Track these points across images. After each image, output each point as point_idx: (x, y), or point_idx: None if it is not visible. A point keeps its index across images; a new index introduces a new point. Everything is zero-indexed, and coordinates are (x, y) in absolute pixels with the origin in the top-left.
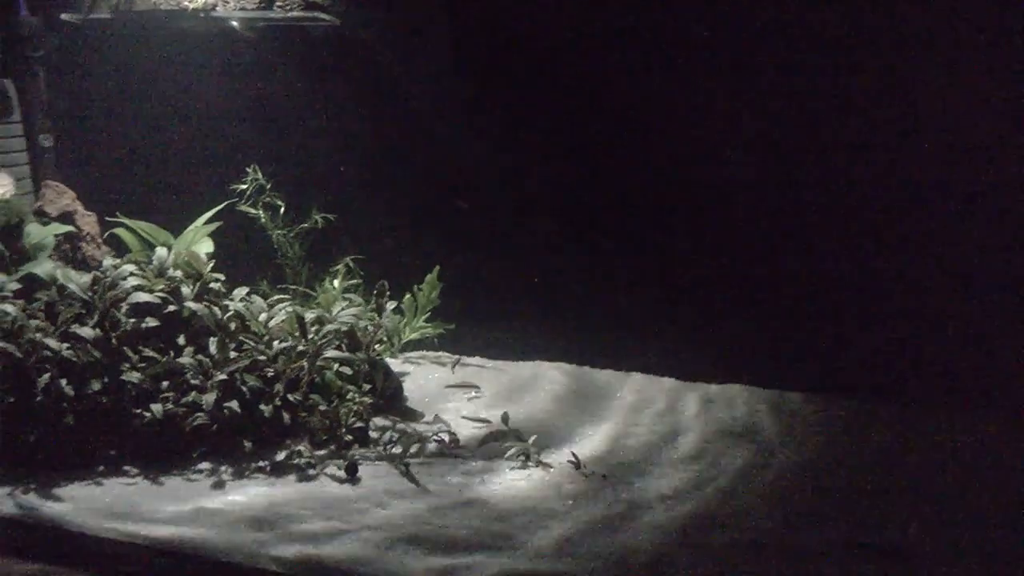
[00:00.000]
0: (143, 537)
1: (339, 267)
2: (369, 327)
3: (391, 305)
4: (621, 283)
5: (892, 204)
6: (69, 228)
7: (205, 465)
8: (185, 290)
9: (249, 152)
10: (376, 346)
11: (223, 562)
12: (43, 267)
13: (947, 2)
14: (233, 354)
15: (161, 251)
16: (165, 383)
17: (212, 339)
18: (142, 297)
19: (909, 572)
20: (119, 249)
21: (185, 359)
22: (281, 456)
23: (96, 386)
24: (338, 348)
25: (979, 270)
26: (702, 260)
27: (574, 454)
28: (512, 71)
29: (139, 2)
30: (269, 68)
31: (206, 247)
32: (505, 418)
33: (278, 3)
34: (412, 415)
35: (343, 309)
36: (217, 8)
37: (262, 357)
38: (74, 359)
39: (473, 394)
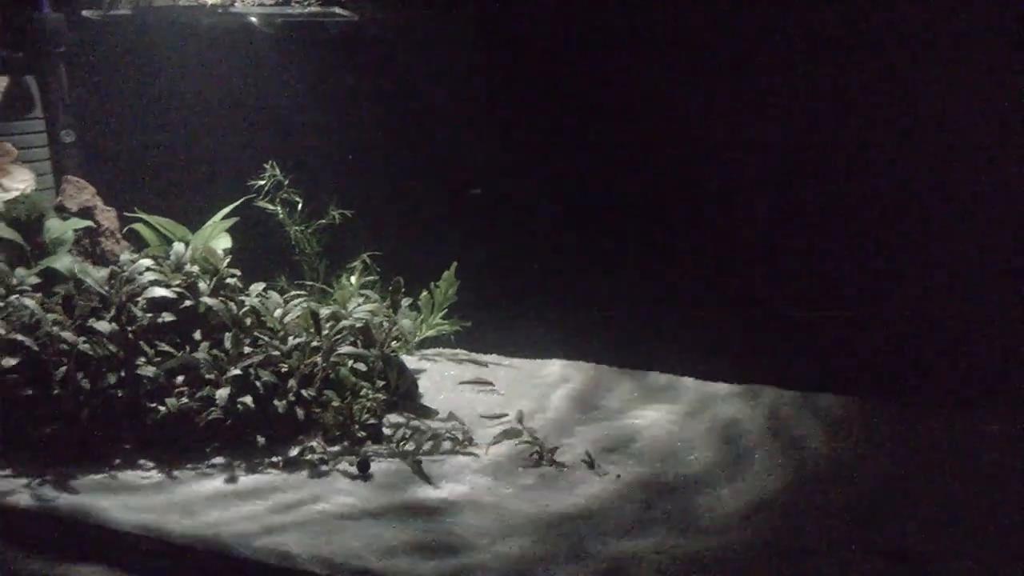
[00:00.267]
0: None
1: (356, 263)
2: (384, 323)
3: (407, 302)
4: (642, 281)
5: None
6: (88, 223)
7: (219, 460)
8: (202, 285)
9: (267, 148)
10: (393, 343)
11: (234, 556)
12: (62, 261)
13: (947, 2)
14: (247, 349)
15: (178, 246)
16: (180, 378)
17: (227, 334)
18: (158, 292)
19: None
20: (138, 244)
21: (200, 354)
22: (294, 452)
23: (112, 380)
24: (353, 344)
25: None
26: (728, 259)
27: (588, 453)
28: (533, 64)
29: None
30: (287, 63)
31: (224, 243)
32: (520, 416)
33: None
34: (427, 412)
35: (358, 305)
36: (235, 4)
37: (276, 352)
38: (90, 353)
39: (489, 391)
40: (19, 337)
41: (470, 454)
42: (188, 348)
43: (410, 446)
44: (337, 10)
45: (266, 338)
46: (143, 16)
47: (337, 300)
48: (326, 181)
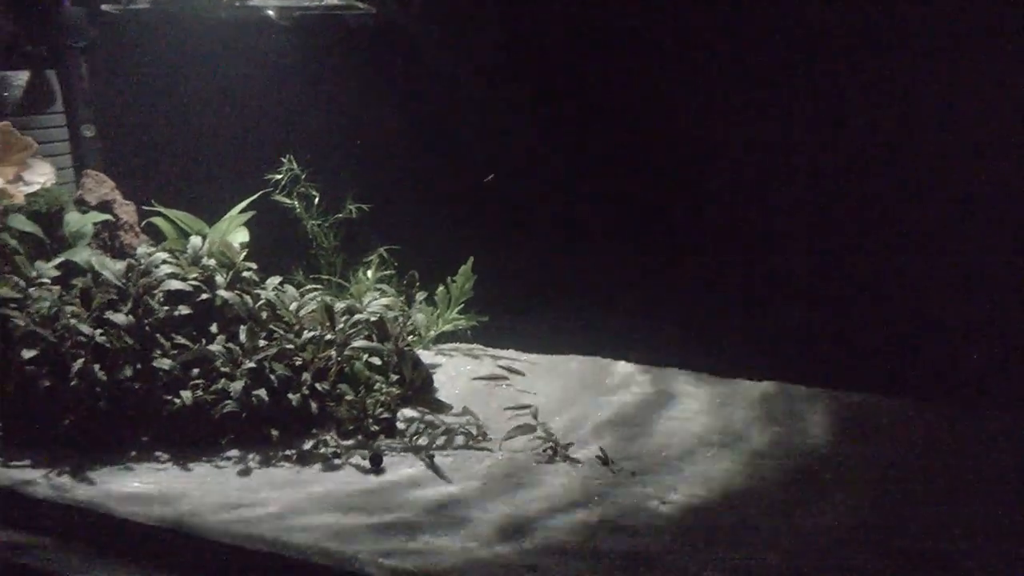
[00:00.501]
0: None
1: (372, 257)
2: (399, 317)
3: (422, 296)
4: (662, 277)
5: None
6: (107, 216)
7: (233, 452)
8: (219, 278)
9: (284, 142)
10: (408, 337)
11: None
12: (81, 254)
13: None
14: (262, 343)
15: (195, 240)
16: (195, 370)
17: (242, 327)
18: (175, 285)
19: None
20: (157, 238)
21: (215, 347)
22: (308, 445)
23: (128, 372)
24: (367, 338)
25: None
26: (746, 255)
27: (602, 449)
28: (558, 57)
29: None
30: (306, 57)
31: (241, 236)
32: (534, 412)
33: None
34: (441, 407)
35: (374, 300)
36: None
37: (290, 346)
38: (107, 345)
39: (504, 387)
40: (38, 329)
41: (484, 449)
42: (204, 341)
43: (423, 440)
44: (355, 3)
45: (281, 331)
46: (162, 10)
47: (353, 294)
48: (344, 175)
